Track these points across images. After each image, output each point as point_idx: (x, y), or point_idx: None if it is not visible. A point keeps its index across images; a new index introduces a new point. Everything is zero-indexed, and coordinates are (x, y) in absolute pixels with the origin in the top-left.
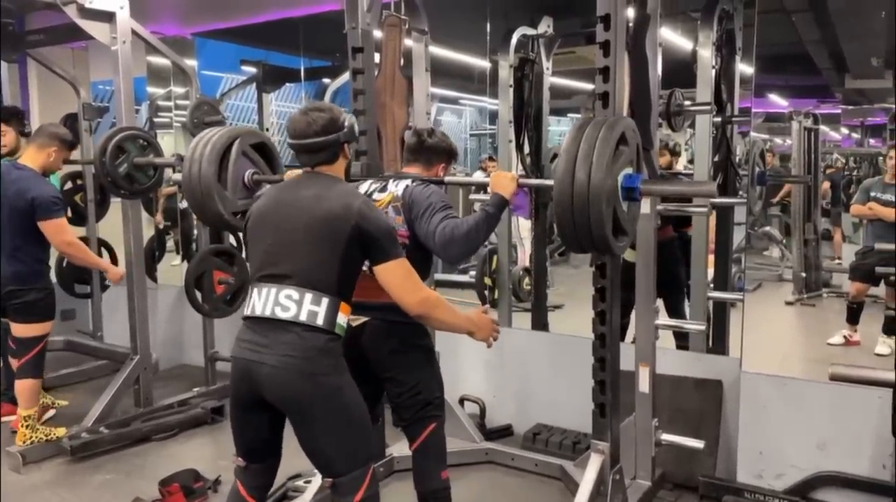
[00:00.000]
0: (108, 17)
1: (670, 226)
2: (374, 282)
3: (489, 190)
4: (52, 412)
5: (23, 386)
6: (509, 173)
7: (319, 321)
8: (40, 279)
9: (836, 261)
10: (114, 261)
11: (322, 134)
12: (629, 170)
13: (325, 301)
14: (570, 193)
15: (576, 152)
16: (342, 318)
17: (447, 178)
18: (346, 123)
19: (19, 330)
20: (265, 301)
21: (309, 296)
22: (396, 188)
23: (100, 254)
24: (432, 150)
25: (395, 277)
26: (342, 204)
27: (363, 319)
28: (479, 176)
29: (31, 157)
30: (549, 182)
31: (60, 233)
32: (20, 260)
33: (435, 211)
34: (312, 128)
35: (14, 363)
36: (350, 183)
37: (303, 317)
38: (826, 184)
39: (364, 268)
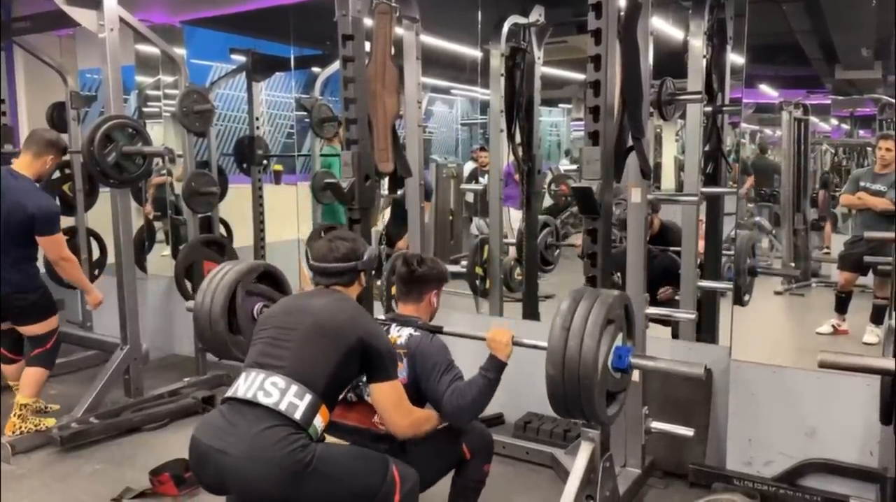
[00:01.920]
0: (95, 3)
1: (671, 289)
2: (357, 409)
3: (489, 351)
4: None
5: (31, 374)
6: (506, 333)
7: (297, 415)
8: (35, 281)
9: (825, 250)
10: (103, 251)
11: (342, 260)
12: (619, 342)
13: (308, 397)
14: (561, 382)
15: (565, 341)
16: (318, 422)
17: (447, 329)
18: (367, 255)
19: (30, 330)
20: (250, 385)
21: (294, 388)
22: (399, 334)
23: (89, 245)
24: (423, 280)
25: (391, 399)
26: (351, 316)
27: (344, 443)
28: (469, 166)
29: (27, 165)
30: (544, 344)
31: (59, 248)
32: (18, 268)
33: (440, 373)
34: (333, 254)
35: (9, 359)
36: None
37: (282, 407)
38: (823, 193)
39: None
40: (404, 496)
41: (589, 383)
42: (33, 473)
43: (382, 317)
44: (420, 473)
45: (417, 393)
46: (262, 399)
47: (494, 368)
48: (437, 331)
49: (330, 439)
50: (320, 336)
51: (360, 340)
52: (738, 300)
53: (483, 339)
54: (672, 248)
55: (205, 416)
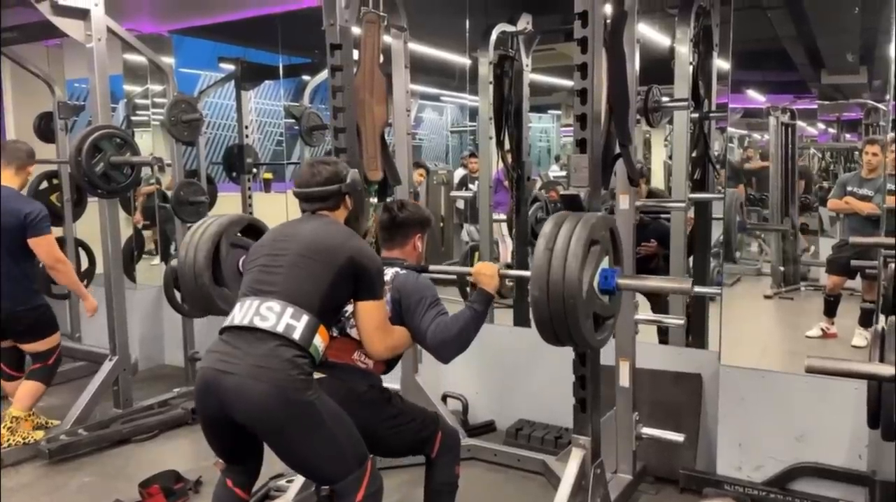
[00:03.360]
0: (82, 14)
1: (657, 243)
2: (337, 344)
3: (476, 284)
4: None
5: (28, 387)
6: (492, 266)
7: (296, 335)
8: (35, 298)
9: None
10: (91, 261)
11: (325, 184)
12: (606, 264)
13: (304, 318)
14: (546, 304)
15: (549, 262)
16: (318, 341)
17: (433, 267)
18: (350, 177)
19: (32, 347)
20: (246, 311)
21: (290, 310)
22: (385, 272)
23: (77, 255)
24: (405, 224)
25: (373, 319)
26: (341, 238)
27: (319, 375)
28: (460, 173)
29: (10, 180)
30: (528, 273)
31: (52, 249)
32: (16, 280)
33: (425, 307)
34: (316, 178)
35: (9, 376)
36: None
37: (280, 329)
38: (801, 185)
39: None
40: (366, 497)
41: (573, 303)
42: (21, 487)
43: None
44: (392, 432)
45: (400, 324)
46: (259, 323)
47: (481, 300)
48: (423, 270)
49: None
50: (311, 258)
51: (350, 259)
52: (729, 256)
53: (469, 275)
54: (662, 215)
55: (209, 346)
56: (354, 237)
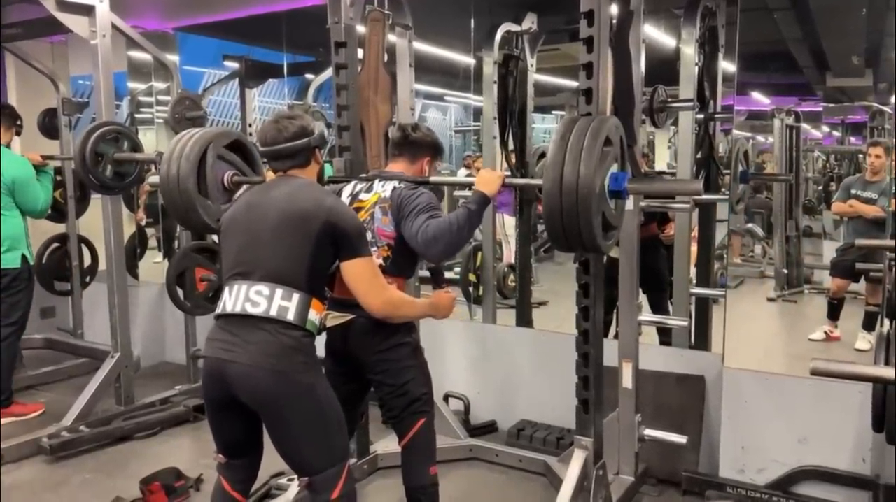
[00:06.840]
0: (87, 10)
1: (654, 224)
2: None
3: (474, 187)
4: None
5: None
6: (496, 172)
7: (290, 316)
8: None
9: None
10: (94, 258)
11: (293, 139)
12: (615, 169)
13: (295, 296)
14: (558, 194)
15: (563, 153)
16: (314, 315)
17: (433, 178)
18: (317, 130)
19: None
20: (236, 298)
21: (279, 292)
22: (383, 189)
23: (80, 252)
24: (417, 145)
25: (362, 276)
26: (313, 201)
27: (349, 316)
28: (463, 173)
29: None
30: (537, 182)
31: None
32: None
33: (420, 211)
34: (283, 134)
35: None
36: (335, 184)
37: (273, 313)
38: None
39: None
40: (341, 496)
41: (587, 194)
42: (23, 483)
43: (367, 174)
44: (396, 369)
45: (403, 244)
46: (251, 309)
47: (477, 201)
48: (423, 182)
49: (335, 315)
50: (288, 231)
51: (326, 223)
52: (732, 208)
53: (473, 183)
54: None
55: (208, 334)
56: (327, 197)
